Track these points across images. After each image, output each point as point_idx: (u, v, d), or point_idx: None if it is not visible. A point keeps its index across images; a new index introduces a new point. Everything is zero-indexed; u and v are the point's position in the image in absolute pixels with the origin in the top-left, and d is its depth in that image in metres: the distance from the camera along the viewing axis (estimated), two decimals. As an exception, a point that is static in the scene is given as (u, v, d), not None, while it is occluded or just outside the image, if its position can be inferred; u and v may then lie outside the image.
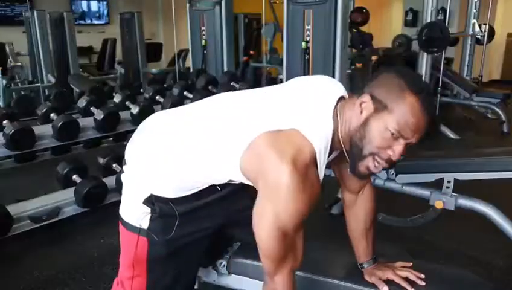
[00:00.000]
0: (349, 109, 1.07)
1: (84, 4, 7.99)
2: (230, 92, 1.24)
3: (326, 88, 1.13)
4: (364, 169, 1.07)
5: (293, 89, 1.18)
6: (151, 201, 1.14)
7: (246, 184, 1.11)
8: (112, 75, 6.55)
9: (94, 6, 8.15)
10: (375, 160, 1.05)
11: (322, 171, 1.04)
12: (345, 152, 1.10)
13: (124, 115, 3.36)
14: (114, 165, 2.98)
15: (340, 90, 1.12)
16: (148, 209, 1.15)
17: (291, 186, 0.97)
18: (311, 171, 1.01)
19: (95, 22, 8.17)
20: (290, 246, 1.04)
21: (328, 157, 1.07)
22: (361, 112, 1.04)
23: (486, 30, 5.77)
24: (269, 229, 1.01)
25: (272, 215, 1.00)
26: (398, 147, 1.02)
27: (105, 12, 8.26)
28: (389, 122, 1.00)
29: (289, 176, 0.96)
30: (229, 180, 1.14)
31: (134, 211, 1.17)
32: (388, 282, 1.22)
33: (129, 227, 1.18)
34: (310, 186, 1.00)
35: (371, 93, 1.04)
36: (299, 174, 0.97)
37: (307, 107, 1.07)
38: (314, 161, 1.01)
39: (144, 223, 1.15)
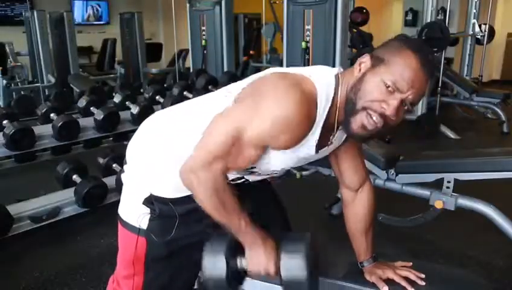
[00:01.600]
0: (349, 73, 1.06)
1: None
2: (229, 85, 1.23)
3: (325, 67, 1.14)
4: (357, 126, 1.02)
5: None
6: (151, 201, 1.14)
7: (246, 185, 1.10)
8: (112, 75, 6.56)
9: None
10: (368, 114, 1.01)
11: (320, 122, 1.02)
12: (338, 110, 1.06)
13: (124, 115, 3.36)
14: (114, 165, 2.98)
15: (339, 68, 1.12)
16: (148, 210, 1.15)
17: (280, 97, 0.96)
18: (307, 102, 0.98)
19: (95, 22, 8.17)
20: (235, 153, 0.99)
21: (334, 133, 1.07)
22: (360, 70, 1.04)
23: (486, 30, 5.77)
24: (227, 126, 0.99)
25: (238, 115, 0.99)
26: (393, 102, 0.99)
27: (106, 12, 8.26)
28: (384, 74, 0.99)
29: (283, 87, 0.96)
30: (230, 180, 1.14)
31: (133, 211, 1.17)
32: (388, 281, 1.22)
33: (128, 227, 1.18)
34: (297, 113, 0.96)
35: (371, 53, 1.04)
36: (293, 93, 0.96)
37: (310, 68, 1.09)
38: (313, 99, 1.00)
39: (143, 224, 1.15)
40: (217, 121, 1.02)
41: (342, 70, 1.10)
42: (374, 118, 1.00)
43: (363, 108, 1.00)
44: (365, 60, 1.04)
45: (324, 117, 1.03)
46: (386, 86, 0.98)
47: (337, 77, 1.06)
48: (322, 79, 1.03)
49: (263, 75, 1.07)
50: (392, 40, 1.05)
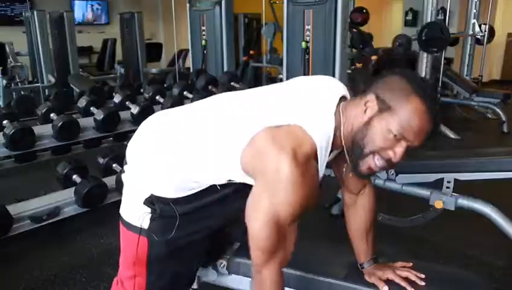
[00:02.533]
0: (352, 108, 1.07)
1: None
2: (231, 92, 1.24)
3: (328, 87, 1.13)
4: (365, 169, 1.06)
5: (294, 88, 1.19)
6: (152, 201, 1.14)
7: (246, 184, 1.11)
8: (112, 75, 6.56)
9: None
10: (375, 158, 1.04)
11: (322, 168, 1.04)
12: (345, 151, 1.09)
13: (124, 115, 3.36)
14: (114, 165, 2.98)
15: (342, 89, 1.12)
16: (149, 210, 1.15)
17: (291, 177, 0.96)
18: (311, 164, 1.00)
19: (95, 22, 8.17)
20: (282, 239, 1.03)
21: (329, 155, 1.07)
22: (365, 112, 1.04)
23: (486, 30, 5.77)
24: (263, 220, 1.00)
25: (267, 206, 0.99)
26: (399, 149, 1.02)
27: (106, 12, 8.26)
28: (392, 124, 1.00)
29: (288, 166, 0.96)
30: (228, 180, 1.14)
31: (135, 211, 1.17)
32: (388, 282, 1.22)
33: (130, 227, 1.18)
34: (309, 180, 0.99)
35: (376, 94, 1.04)
36: (298, 165, 0.97)
37: (308, 104, 1.08)
38: (314, 155, 1.01)
39: (145, 223, 1.15)
40: (251, 216, 1.03)
41: (344, 93, 1.10)
42: (381, 162, 1.04)
43: (371, 152, 1.04)
44: (371, 101, 1.03)
45: (325, 163, 1.05)
46: (394, 134, 1.00)
47: (337, 113, 1.06)
48: (320, 128, 1.03)
49: (257, 138, 1.02)
50: (396, 79, 1.04)
